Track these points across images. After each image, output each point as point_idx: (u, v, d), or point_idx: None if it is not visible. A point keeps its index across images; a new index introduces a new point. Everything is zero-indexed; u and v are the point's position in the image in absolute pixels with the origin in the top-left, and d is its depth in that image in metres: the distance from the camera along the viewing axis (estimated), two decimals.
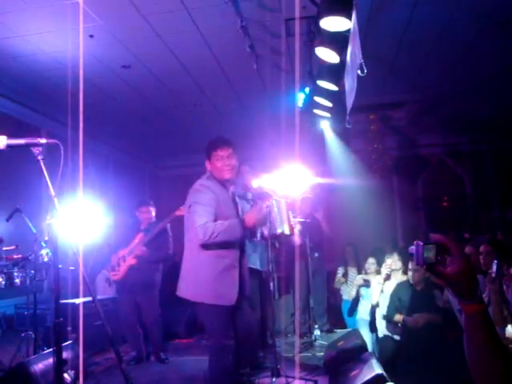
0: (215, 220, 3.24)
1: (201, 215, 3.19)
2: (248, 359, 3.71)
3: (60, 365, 1.96)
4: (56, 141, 1.95)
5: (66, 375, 4.02)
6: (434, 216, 9.52)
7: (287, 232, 3.97)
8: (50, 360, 3.64)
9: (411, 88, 7.24)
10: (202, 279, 3.28)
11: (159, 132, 8.78)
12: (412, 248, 1.17)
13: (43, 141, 1.92)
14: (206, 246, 3.23)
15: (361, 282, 5.73)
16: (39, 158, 1.89)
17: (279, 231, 4.07)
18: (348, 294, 6.11)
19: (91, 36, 5.30)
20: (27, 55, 5.60)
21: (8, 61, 5.69)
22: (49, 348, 4.49)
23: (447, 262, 1.14)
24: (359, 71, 2.87)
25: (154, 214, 5.37)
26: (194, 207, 3.25)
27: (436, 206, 9.69)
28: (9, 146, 1.93)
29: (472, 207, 9.38)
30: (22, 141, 1.92)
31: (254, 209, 3.39)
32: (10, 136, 1.95)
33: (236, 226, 3.21)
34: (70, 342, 4.33)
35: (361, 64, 2.84)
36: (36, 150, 1.90)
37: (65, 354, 4.11)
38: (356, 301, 5.79)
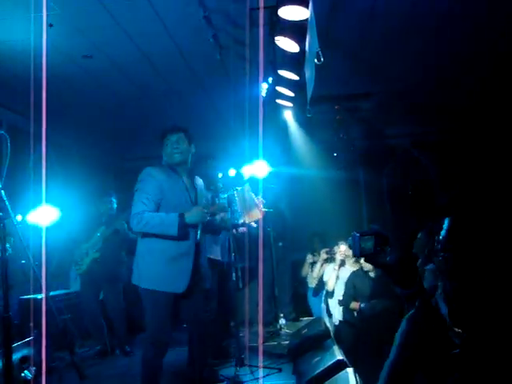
0: (159, 206, 3.27)
1: (139, 203, 3.26)
2: (208, 351, 3.67)
3: (9, 363, 1.91)
4: (2, 132, 1.91)
5: (26, 372, 3.98)
6: (398, 206, 9.64)
7: (248, 221, 4.00)
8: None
9: (377, 78, 7.29)
10: (148, 265, 3.28)
11: (124, 123, 8.65)
12: (349, 239, 1.19)
13: None
14: (148, 234, 3.25)
15: (325, 256, 5.80)
16: None
17: (241, 221, 4.10)
18: (312, 280, 6.15)
19: (51, 25, 5.18)
20: None
21: None
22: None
23: (387, 252, 1.16)
24: (316, 60, 2.87)
25: (115, 205, 5.31)
26: (135, 195, 3.33)
27: (401, 196, 9.82)
28: None
29: (436, 195, 9.53)
30: None
31: (197, 207, 3.36)
32: None
33: (173, 221, 3.18)
34: (31, 338, 4.26)
35: (317, 52, 2.84)
36: None
37: (27, 351, 4.06)
38: (321, 279, 5.83)
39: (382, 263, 1.17)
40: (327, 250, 5.88)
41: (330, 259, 5.84)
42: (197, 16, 4.79)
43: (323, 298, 5.74)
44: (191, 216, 3.24)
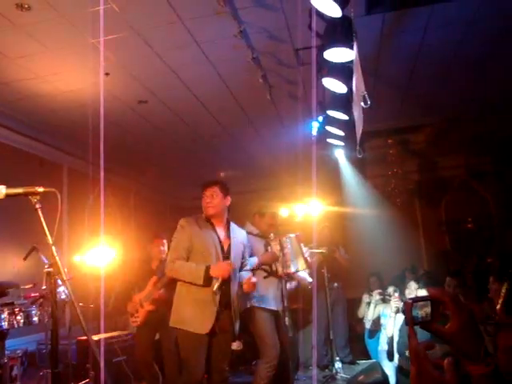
0: (189, 253, 3.58)
1: (173, 250, 3.63)
2: None
3: None
4: (53, 189, 1.98)
5: None
6: (458, 239, 9.28)
7: (301, 268, 3.96)
8: None
9: (428, 110, 7.17)
10: (178, 306, 3.58)
11: (179, 163, 8.86)
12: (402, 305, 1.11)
13: (40, 189, 1.96)
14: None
15: (377, 297, 5.61)
16: (37, 206, 1.92)
17: (293, 270, 4.07)
18: (369, 322, 5.94)
19: (107, 74, 5.43)
20: (47, 95, 5.74)
21: (29, 101, 5.85)
22: None
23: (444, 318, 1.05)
24: (363, 103, 2.84)
25: (166, 248, 5.32)
26: (171, 242, 3.70)
27: (460, 229, 9.45)
28: (8, 195, 1.97)
29: (498, 228, 9.12)
30: (20, 190, 1.97)
31: (223, 262, 3.55)
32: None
33: (199, 273, 3.44)
34: (86, 380, 4.31)
35: (364, 96, 2.81)
36: (34, 199, 1.93)
37: None
38: (376, 322, 5.62)
39: (441, 331, 1.04)
40: (380, 291, 5.70)
41: (383, 300, 5.64)
42: (246, 58, 4.89)
43: (382, 341, 5.53)
44: (215, 270, 3.43)
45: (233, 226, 3.85)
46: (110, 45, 4.73)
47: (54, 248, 1.88)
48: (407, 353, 4.48)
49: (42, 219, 1.89)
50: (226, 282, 3.52)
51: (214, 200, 3.67)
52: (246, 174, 8.27)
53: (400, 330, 4.71)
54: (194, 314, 3.46)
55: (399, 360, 4.72)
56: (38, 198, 1.94)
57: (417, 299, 1.07)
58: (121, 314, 6.36)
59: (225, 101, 6.34)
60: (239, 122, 7.05)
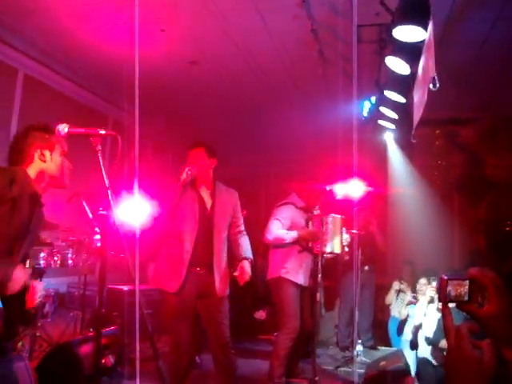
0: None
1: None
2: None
3: (99, 353, 1.98)
4: (115, 133, 1.99)
5: (107, 360, 4.13)
6: (494, 240, 9.05)
7: (336, 250, 3.93)
8: (93, 342, 3.73)
9: (484, 105, 6.93)
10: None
11: (222, 128, 8.83)
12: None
13: (102, 132, 1.97)
14: None
15: (409, 299, 5.53)
16: (97, 148, 1.94)
17: (328, 250, 4.04)
18: (398, 311, 5.89)
19: (162, 30, 5.40)
20: (99, 45, 5.76)
21: (83, 50, 5.88)
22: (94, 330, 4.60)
23: (484, 301, 1.01)
24: (431, 85, 2.73)
25: None
26: None
27: (499, 230, 9.21)
28: (69, 134, 2.00)
29: None
30: (82, 130, 1.98)
31: None
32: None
33: None
34: (113, 327, 4.42)
35: (433, 78, 2.70)
36: (95, 141, 1.95)
37: (107, 340, 4.22)
38: (405, 321, 5.57)
39: (477, 314, 1.00)
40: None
41: (413, 290, 5.57)
42: (304, 29, 4.79)
43: (406, 330, 5.48)
44: None
45: (220, 186, 3.82)
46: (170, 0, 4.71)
47: (109, 191, 1.90)
48: (442, 343, 4.44)
49: (101, 162, 1.91)
50: (205, 239, 3.55)
51: (198, 162, 3.66)
52: (287, 151, 8.22)
53: (439, 320, 4.64)
54: (167, 273, 3.53)
55: (431, 351, 4.67)
56: (98, 140, 1.95)
57: (453, 277, 1.03)
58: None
59: (277, 72, 6.27)
60: (289, 93, 6.97)
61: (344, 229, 4.10)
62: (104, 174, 1.91)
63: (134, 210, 6.11)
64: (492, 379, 0.90)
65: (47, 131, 2.16)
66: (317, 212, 4.17)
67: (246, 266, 3.61)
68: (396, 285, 6.04)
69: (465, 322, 0.99)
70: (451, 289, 1.01)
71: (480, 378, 0.90)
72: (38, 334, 4.51)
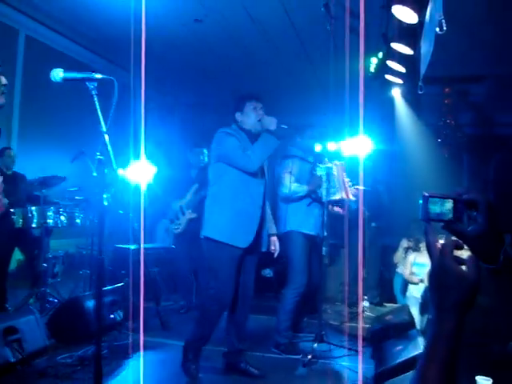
0: None
1: (236, 149, 3.44)
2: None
3: (100, 302, 1.99)
4: (111, 77, 1.95)
5: (115, 314, 4.21)
6: (503, 200, 8.97)
7: (344, 197, 3.91)
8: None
9: (494, 61, 6.75)
10: (218, 217, 3.44)
11: (227, 88, 8.72)
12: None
13: (98, 76, 1.93)
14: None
15: (412, 259, 5.52)
16: (93, 92, 1.90)
17: (337, 197, 4.02)
18: (402, 270, 5.91)
19: None
20: (103, 4, 5.65)
21: (80, 6, 5.77)
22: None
23: (469, 220, 1.00)
24: (438, 29, 2.65)
25: (206, 158, 5.33)
26: (229, 153, 3.46)
27: (507, 191, 9.12)
28: (65, 79, 1.95)
29: None
30: (78, 75, 1.94)
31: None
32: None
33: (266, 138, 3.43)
34: (121, 284, 4.48)
35: (440, 21, 2.62)
36: (91, 85, 1.91)
37: (115, 296, 4.30)
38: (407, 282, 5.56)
39: (460, 232, 0.99)
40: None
41: (416, 248, 5.55)
42: None
43: (413, 290, 5.48)
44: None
45: None
46: None
47: (106, 136, 1.87)
48: None
49: (98, 106, 1.87)
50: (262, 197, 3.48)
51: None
52: (294, 107, 8.12)
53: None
54: (236, 227, 3.36)
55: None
56: (95, 84, 1.91)
57: (435, 195, 1.01)
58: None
59: (282, 27, 6.14)
60: (294, 50, 6.84)
61: (345, 175, 4.05)
62: (101, 118, 1.87)
63: (140, 172, 6.13)
64: (475, 293, 0.91)
65: None
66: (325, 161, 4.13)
67: (277, 242, 3.74)
68: (404, 242, 6.01)
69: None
70: (433, 207, 1.00)
71: (464, 293, 0.90)
72: (47, 291, 4.59)
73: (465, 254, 0.96)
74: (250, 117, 3.52)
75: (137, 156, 6.07)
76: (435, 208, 0.99)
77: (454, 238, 0.98)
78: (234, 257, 3.37)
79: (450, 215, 0.99)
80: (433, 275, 0.95)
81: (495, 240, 0.98)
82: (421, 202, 1.01)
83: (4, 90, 1.98)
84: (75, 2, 5.60)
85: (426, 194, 1.00)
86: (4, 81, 1.99)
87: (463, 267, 0.92)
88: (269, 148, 3.37)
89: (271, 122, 3.36)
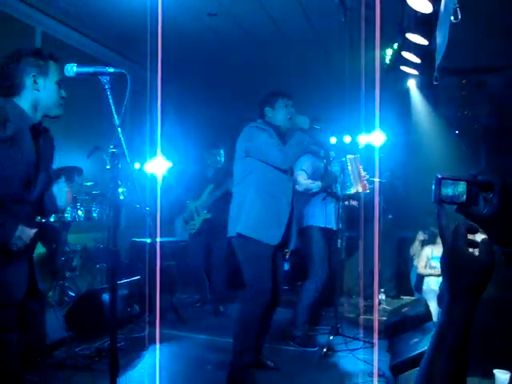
0: None
1: (270, 145, 3.33)
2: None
3: (115, 295, 2.02)
4: (122, 70, 1.96)
5: (131, 308, 4.26)
6: None
7: (360, 190, 3.90)
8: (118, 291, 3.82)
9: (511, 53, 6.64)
10: (251, 213, 3.31)
11: (242, 82, 8.72)
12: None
13: (111, 70, 1.94)
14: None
15: (429, 253, 5.47)
16: (106, 86, 1.91)
17: (353, 190, 4.01)
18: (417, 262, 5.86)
19: None
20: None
21: (98, 5, 5.82)
22: (119, 281, 4.72)
23: (483, 202, 0.97)
24: (452, 17, 2.62)
25: (223, 158, 5.36)
26: (262, 148, 3.33)
27: None
28: (78, 74, 1.97)
29: None
30: (90, 69, 1.95)
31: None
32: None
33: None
34: (137, 277, 4.53)
35: (455, 9, 2.59)
36: (104, 79, 1.92)
37: (132, 289, 4.35)
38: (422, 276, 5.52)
39: (474, 215, 0.96)
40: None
41: (433, 241, 5.51)
42: None
43: (431, 283, 5.44)
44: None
45: None
46: None
47: (119, 129, 1.89)
48: None
49: (111, 100, 1.89)
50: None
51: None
52: (308, 101, 8.10)
53: None
54: (268, 224, 3.26)
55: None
56: (107, 78, 1.92)
57: (448, 177, 0.98)
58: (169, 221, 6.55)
59: (297, 20, 6.11)
60: (309, 44, 6.81)
61: (361, 167, 4.04)
62: (114, 111, 1.89)
63: (156, 167, 6.19)
64: (488, 278, 0.89)
65: (41, 57, 2.06)
66: (333, 156, 4.12)
67: None
68: (420, 235, 5.97)
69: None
70: (446, 189, 0.97)
71: (476, 277, 0.88)
72: (66, 284, 4.65)
73: (479, 237, 0.94)
74: (281, 113, 3.47)
75: (153, 151, 6.13)
76: (448, 190, 0.97)
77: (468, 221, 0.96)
78: (268, 253, 3.28)
79: (464, 197, 0.96)
80: (445, 259, 0.93)
81: (511, 222, 0.95)
82: (433, 183, 0.99)
83: (62, 102, 2.07)
84: None
85: (439, 176, 0.97)
86: (63, 94, 2.11)
87: (476, 251, 0.91)
88: (303, 147, 3.35)
89: (304, 121, 3.34)
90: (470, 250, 0.91)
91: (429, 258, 5.48)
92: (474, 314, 0.88)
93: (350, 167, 4.00)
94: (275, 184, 3.31)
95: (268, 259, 3.28)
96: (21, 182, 1.95)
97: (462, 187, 0.96)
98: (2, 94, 1.99)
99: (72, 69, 1.96)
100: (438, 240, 5.52)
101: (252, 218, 3.25)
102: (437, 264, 5.40)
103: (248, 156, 3.32)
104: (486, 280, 0.88)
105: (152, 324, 4.06)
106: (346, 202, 4.25)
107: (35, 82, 2.00)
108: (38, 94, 2.01)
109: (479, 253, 0.90)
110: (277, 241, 3.27)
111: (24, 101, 1.99)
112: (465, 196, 0.95)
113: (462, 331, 0.87)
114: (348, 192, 4.01)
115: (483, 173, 0.97)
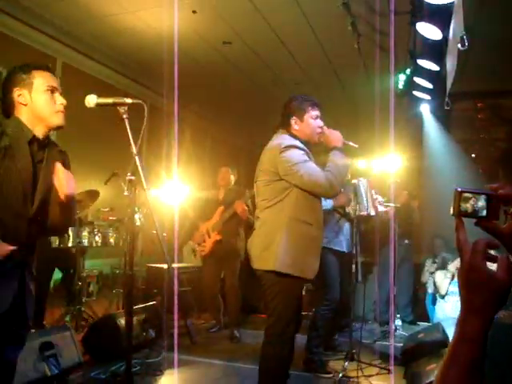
0: None
1: (315, 170, 2.87)
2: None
3: (130, 318, 2.05)
4: (140, 101, 2.04)
5: (147, 333, 4.28)
6: None
7: (372, 213, 3.89)
8: (134, 316, 3.86)
9: None
10: (289, 247, 2.88)
11: (257, 109, 8.85)
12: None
13: (129, 100, 2.01)
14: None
15: (447, 281, 5.42)
16: (124, 116, 1.98)
17: (365, 213, 4.01)
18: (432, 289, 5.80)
19: (194, 12, 5.45)
20: (132, 29, 5.87)
21: (116, 35, 6.02)
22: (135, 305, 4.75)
23: (504, 216, 0.95)
24: (460, 45, 2.66)
25: (232, 178, 5.38)
26: (300, 167, 2.84)
27: None
28: (98, 105, 2.04)
29: None
30: (109, 100, 2.03)
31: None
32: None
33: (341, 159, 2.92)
34: (153, 302, 4.56)
35: (462, 37, 2.62)
36: (121, 109, 2.00)
37: (147, 314, 4.37)
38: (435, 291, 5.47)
39: (494, 230, 0.93)
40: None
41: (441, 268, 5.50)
42: (336, 4, 4.73)
43: (447, 307, 5.38)
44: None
45: None
46: None
47: (137, 158, 1.95)
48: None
49: (128, 129, 1.95)
50: None
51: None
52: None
53: None
54: (308, 257, 2.87)
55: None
56: (125, 108, 2.00)
57: (468, 190, 0.96)
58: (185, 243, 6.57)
59: (311, 48, 6.23)
60: (322, 70, 6.92)
61: (374, 191, 4.04)
62: (131, 140, 1.95)
63: (173, 192, 6.25)
64: (505, 296, 0.87)
65: (24, 70, 2.04)
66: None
67: None
68: (428, 264, 5.93)
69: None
70: (466, 203, 0.95)
71: (492, 294, 0.86)
72: (82, 309, 4.70)
73: (499, 253, 0.93)
74: (311, 126, 2.94)
75: (170, 176, 6.21)
76: (468, 204, 0.95)
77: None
78: (302, 286, 3.07)
79: (484, 211, 0.94)
80: (461, 273, 0.91)
81: None
82: (453, 197, 0.97)
83: (60, 109, 2.06)
84: (107, 28, 5.84)
85: (459, 189, 0.95)
86: (61, 100, 2.08)
87: (494, 266, 0.89)
88: (344, 169, 2.88)
89: (338, 139, 2.90)
90: (489, 264, 0.89)
91: (449, 284, 5.43)
92: (487, 330, 0.87)
93: (362, 189, 4.00)
94: (310, 210, 2.89)
95: (300, 292, 3.06)
96: (16, 195, 1.93)
97: (482, 201, 0.93)
98: (4, 114, 2.03)
99: (93, 100, 2.04)
100: (449, 266, 5.48)
101: (289, 252, 2.81)
102: (454, 288, 5.34)
103: (283, 180, 2.84)
104: (503, 297, 0.87)
105: (168, 349, 4.07)
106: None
107: (18, 96, 2.00)
108: (27, 107, 2.01)
109: (497, 269, 0.88)
110: (315, 273, 2.89)
111: (22, 116, 2.01)
112: (485, 210, 0.93)
113: (475, 349, 0.85)
114: (361, 213, 4.01)
115: (504, 185, 0.94)
